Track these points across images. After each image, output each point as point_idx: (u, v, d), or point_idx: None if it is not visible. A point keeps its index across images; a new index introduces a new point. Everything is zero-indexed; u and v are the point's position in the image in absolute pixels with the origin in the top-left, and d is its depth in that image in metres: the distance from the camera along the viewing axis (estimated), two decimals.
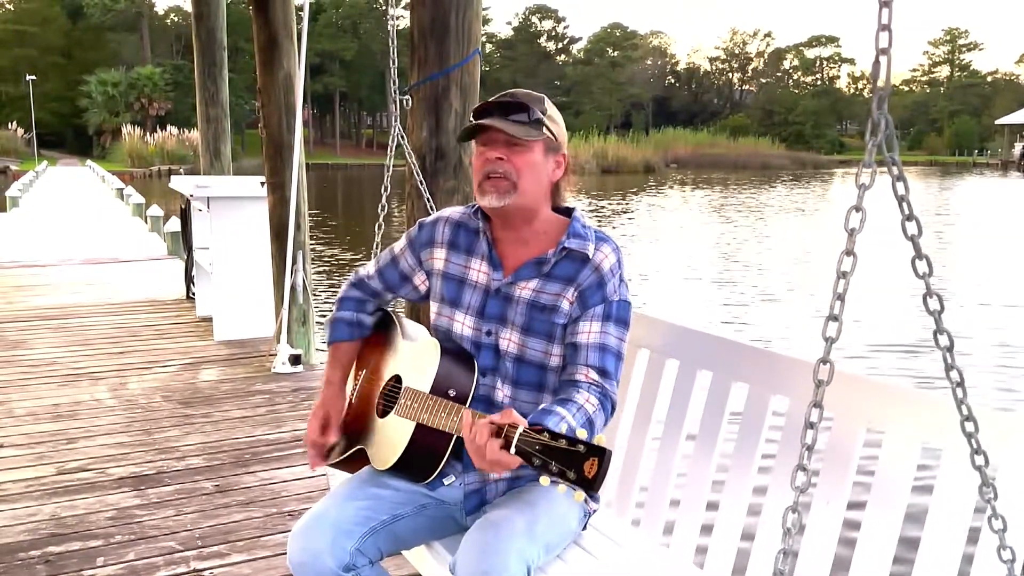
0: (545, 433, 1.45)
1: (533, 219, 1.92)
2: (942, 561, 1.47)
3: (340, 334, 2.10)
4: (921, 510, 1.55)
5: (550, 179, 1.91)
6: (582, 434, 1.43)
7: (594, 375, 1.80)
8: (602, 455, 1.39)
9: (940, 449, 1.52)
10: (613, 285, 1.87)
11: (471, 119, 1.88)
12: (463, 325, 1.94)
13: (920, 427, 1.55)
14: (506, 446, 1.50)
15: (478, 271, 1.94)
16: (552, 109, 1.90)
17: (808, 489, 1.30)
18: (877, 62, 1.16)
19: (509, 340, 1.89)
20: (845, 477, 1.68)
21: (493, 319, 1.91)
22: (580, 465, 1.39)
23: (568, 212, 1.96)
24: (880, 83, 1.17)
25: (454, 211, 2.05)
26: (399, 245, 2.10)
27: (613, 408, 1.82)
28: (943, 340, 1.26)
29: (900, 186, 1.21)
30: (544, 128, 1.86)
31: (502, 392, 1.89)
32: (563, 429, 1.50)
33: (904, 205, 1.22)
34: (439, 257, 2.01)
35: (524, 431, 1.49)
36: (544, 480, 1.44)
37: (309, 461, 2.07)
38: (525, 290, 1.89)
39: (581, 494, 1.42)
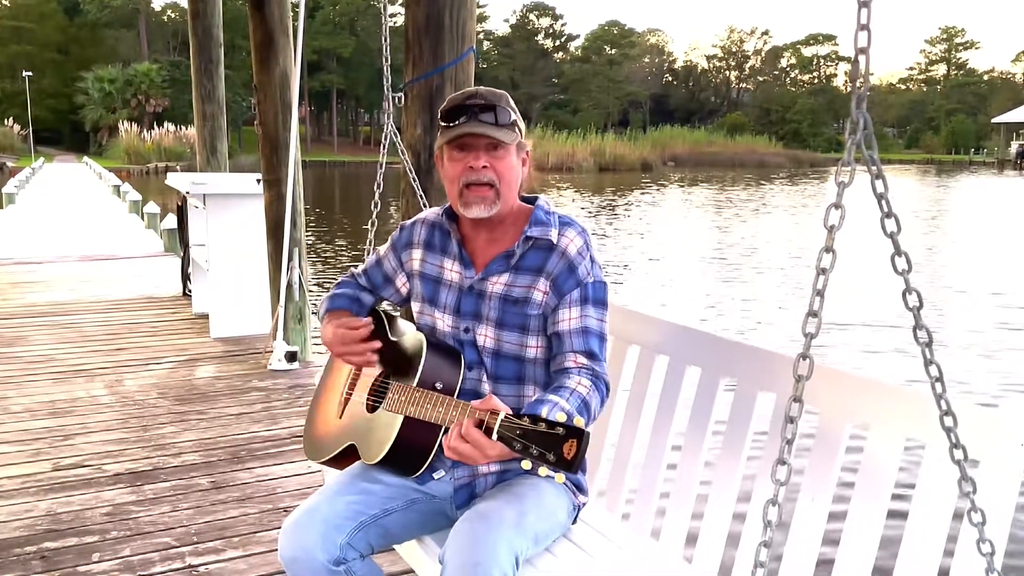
0: (525, 418, 1.48)
1: (504, 219, 1.94)
2: (924, 554, 1.49)
3: (340, 303, 2.12)
4: (905, 504, 1.57)
5: (521, 178, 1.94)
6: (560, 417, 1.46)
7: (582, 359, 1.82)
8: (580, 436, 1.41)
9: (923, 444, 1.54)
10: (585, 267, 1.88)
11: (440, 123, 1.88)
12: (443, 323, 1.97)
13: (904, 422, 1.57)
14: (487, 434, 1.53)
15: (451, 271, 1.98)
16: (514, 105, 1.91)
17: (789, 482, 1.32)
18: (856, 62, 1.18)
19: (485, 336, 1.92)
20: (830, 472, 1.70)
21: (468, 316, 1.94)
22: (559, 447, 1.42)
23: (533, 201, 1.99)
24: (859, 82, 1.19)
25: (432, 212, 2.10)
26: (384, 247, 2.15)
27: (608, 388, 1.84)
28: (922, 335, 1.28)
29: (879, 184, 1.23)
30: (516, 128, 1.88)
31: (487, 386, 1.92)
32: (549, 413, 1.51)
33: (883, 203, 1.24)
34: (416, 258, 2.05)
35: (505, 417, 1.51)
36: (526, 464, 1.47)
37: (358, 355, 1.94)
38: (497, 285, 1.92)
39: (562, 476, 1.45)
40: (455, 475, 1.93)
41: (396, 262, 2.10)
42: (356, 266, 2.24)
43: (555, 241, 1.89)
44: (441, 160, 1.93)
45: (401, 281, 2.10)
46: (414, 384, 1.84)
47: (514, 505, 1.76)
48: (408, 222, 2.12)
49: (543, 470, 1.45)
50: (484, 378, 1.92)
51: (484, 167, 1.84)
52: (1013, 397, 6.74)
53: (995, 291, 11.63)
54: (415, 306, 2.06)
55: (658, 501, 2.12)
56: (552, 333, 1.88)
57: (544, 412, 1.49)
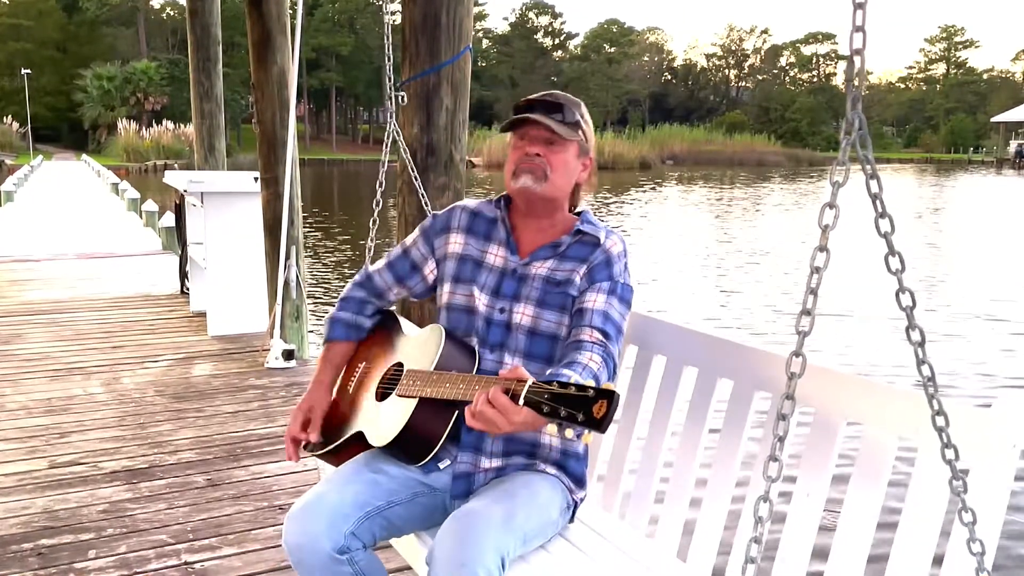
0: (554, 383, 1.47)
1: (554, 212, 2.02)
2: (916, 553, 1.49)
3: (336, 333, 2.14)
4: (899, 502, 1.58)
5: (576, 179, 2.03)
6: (589, 382, 1.46)
7: (597, 335, 1.86)
8: (611, 397, 1.40)
9: (916, 443, 1.54)
10: (619, 268, 1.97)
11: (512, 113, 1.99)
12: (479, 301, 2.00)
13: (898, 421, 1.57)
14: (514, 401, 1.52)
15: (495, 255, 2.03)
16: (587, 114, 2.02)
17: (784, 481, 1.32)
18: (851, 62, 1.19)
19: (523, 314, 1.96)
20: (825, 470, 1.70)
21: (507, 297, 1.98)
22: (589, 408, 1.41)
23: (579, 213, 2.08)
24: (854, 83, 1.19)
25: (470, 201, 2.16)
26: (411, 237, 2.18)
27: (615, 369, 1.88)
28: (915, 335, 1.28)
29: (873, 184, 1.24)
30: (580, 131, 1.97)
31: (509, 365, 1.93)
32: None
33: (877, 203, 1.24)
34: (456, 241, 2.08)
35: (532, 384, 1.50)
36: (551, 428, 1.47)
37: (286, 453, 2.08)
38: (541, 268, 1.98)
39: (589, 436, 1.44)
40: (457, 460, 1.93)
41: (427, 249, 2.12)
42: (371, 259, 2.27)
43: (602, 240, 1.99)
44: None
45: (429, 268, 2.12)
46: (431, 369, 1.85)
47: (503, 504, 1.76)
48: (443, 210, 2.17)
49: (569, 432, 1.44)
50: (506, 359, 1.95)
51: (538, 154, 1.94)
52: (1006, 395, 6.75)
53: (988, 289, 11.65)
54: (445, 287, 2.07)
55: (654, 501, 2.12)
56: (575, 310, 1.93)
57: (573, 379, 1.49)
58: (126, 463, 3.65)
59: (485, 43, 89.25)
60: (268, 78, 5.42)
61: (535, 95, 2.00)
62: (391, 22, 3.52)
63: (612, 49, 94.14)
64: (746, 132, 76.54)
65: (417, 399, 1.82)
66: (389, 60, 3.40)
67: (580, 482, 2.02)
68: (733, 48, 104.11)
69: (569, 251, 1.99)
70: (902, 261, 1.27)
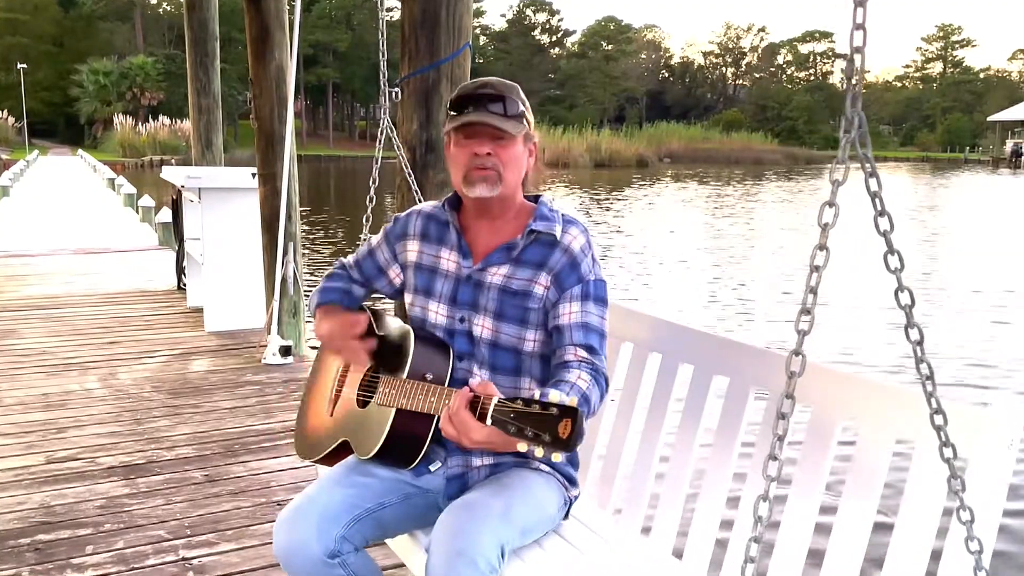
0: (519, 401, 1.47)
1: (507, 210, 1.95)
2: (913, 551, 1.50)
3: (331, 296, 2.10)
4: (896, 501, 1.58)
5: (526, 168, 1.95)
6: (554, 398, 1.44)
7: (582, 352, 1.82)
8: (575, 415, 1.40)
9: (915, 442, 1.54)
10: (587, 265, 1.89)
11: (449, 111, 1.90)
12: (436, 313, 1.96)
13: (895, 421, 1.58)
14: (482, 418, 1.53)
15: (448, 260, 1.97)
16: (524, 97, 1.94)
17: (780, 478, 1.33)
18: (851, 60, 1.19)
19: (482, 326, 1.91)
20: (821, 468, 1.70)
21: (465, 306, 1.93)
22: (554, 428, 1.40)
23: (536, 199, 2.00)
24: (854, 81, 1.20)
25: (427, 204, 2.09)
26: (376, 237, 2.13)
27: (607, 383, 1.84)
28: (914, 334, 1.29)
29: (873, 182, 1.24)
30: (524, 120, 1.90)
31: (479, 376, 1.91)
32: (542, 397, 1.51)
33: (877, 201, 1.24)
34: (412, 249, 2.04)
35: (499, 400, 1.51)
36: (521, 446, 1.46)
37: (357, 355, 1.97)
38: (496, 276, 1.91)
39: (559, 455, 1.44)
40: (448, 464, 1.93)
41: (389, 253, 2.08)
42: (348, 255, 2.23)
43: (558, 237, 1.90)
44: (448, 145, 1.94)
45: (394, 272, 2.08)
46: (404, 376, 1.84)
47: (501, 496, 1.76)
48: (403, 214, 2.11)
49: (539, 451, 1.43)
50: (475, 369, 1.91)
51: (488, 154, 1.85)
52: (1003, 393, 6.78)
53: (980, 287, 11.69)
54: (407, 297, 2.04)
55: (649, 498, 2.13)
56: (553, 327, 1.88)
57: (537, 396, 1.48)
58: (123, 459, 3.65)
59: (483, 40, 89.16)
60: (266, 74, 5.42)
61: (471, 86, 1.90)
62: (384, 18, 3.52)
63: (609, 47, 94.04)
64: (743, 130, 76.46)
65: (395, 409, 1.81)
66: (383, 57, 3.39)
67: (572, 480, 2.02)
68: (730, 46, 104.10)
69: (524, 255, 1.90)
70: (901, 259, 1.28)
